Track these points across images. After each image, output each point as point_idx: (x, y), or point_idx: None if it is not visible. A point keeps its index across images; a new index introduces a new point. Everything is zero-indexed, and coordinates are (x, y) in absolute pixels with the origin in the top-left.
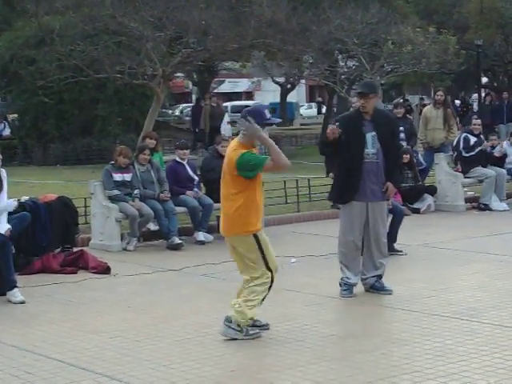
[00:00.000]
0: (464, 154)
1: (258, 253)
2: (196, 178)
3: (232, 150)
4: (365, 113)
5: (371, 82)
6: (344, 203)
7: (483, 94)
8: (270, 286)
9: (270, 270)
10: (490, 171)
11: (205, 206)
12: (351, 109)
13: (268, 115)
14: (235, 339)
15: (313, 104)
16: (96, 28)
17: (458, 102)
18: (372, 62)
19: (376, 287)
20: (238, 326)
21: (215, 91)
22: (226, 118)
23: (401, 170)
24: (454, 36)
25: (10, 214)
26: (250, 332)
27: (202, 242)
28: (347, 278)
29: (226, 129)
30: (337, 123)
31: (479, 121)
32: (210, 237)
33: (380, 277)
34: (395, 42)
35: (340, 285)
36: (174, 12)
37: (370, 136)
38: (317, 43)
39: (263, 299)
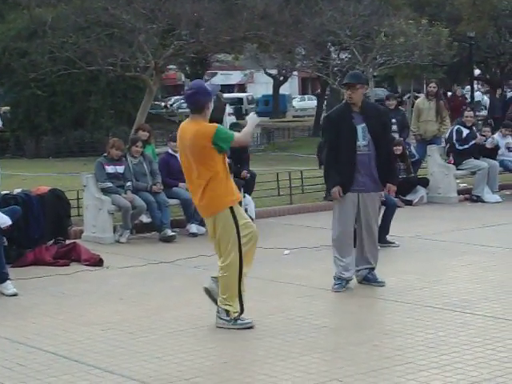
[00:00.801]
0: (457, 147)
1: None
2: None
3: (200, 127)
4: (353, 104)
5: (358, 73)
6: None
7: (476, 86)
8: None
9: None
10: (483, 163)
11: None
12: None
13: (210, 88)
14: (228, 328)
15: (306, 96)
16: (88, 20)
17: (450, 94)
18: (364, 54)
19: (368, 279)
20: (227, 315)
21: (207, 83)
22: (228, 110)
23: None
24: (446, 28)
25: (0, 206)
26: (239, 322)
27: (194, 234)
28: (341, 272)
29: (228, 120)
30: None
31: (471, 113)
32: (203, 229)
33: (372, 269)
34: (388, 34)
35: (334, 278)
36: (167, 4)
37: (361, 128)
38: (309, 35)
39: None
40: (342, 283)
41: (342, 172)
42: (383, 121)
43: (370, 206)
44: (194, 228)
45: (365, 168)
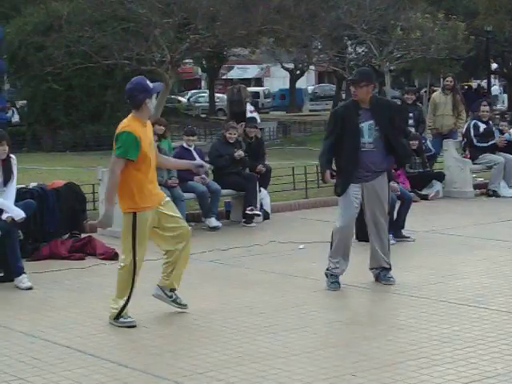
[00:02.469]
0: (476, 143)
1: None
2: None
3: (122, 123)
4: (361, 101)
5: (364, 70)
6: (343, 193)
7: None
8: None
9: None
10: (499, 157)
11: (213, 192)
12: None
13: (150, 85)
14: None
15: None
16: (104, 14)
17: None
18: (381, 48)
19: (381, 277)
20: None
21: (224, 77)
22: (249, 108)
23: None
24: (463, 22)
25: (16, 200)
26: (121, 319)
27: (216, 228)
28: (335, 268)
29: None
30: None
31: (487, 107)
32: (219, 223)
33: (385, 268)
34: (404, 28)
35: (326, 276)
36: None
37: (367, 125)
38: (325, 29)
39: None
40: (337, 280)
41: (344, 169)
42: (391, 114)
43: (378, 190)
44: (214, 221)
45: (370, 165)
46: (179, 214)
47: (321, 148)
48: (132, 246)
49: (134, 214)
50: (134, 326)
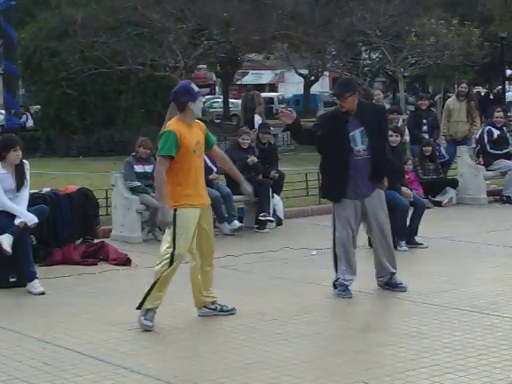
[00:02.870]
0: (489, 150)
1: None
2: (215, 168)
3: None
4: (348, 110)
5: (346, 81)
6: (336, 201)
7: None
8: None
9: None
10: None
11: (224, 196)
12: (374, 101)
13: (196, 89)
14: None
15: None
16: (118, 20)
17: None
18: (395, 54)
19: (390, 284)
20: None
21: (238, 83)
22: (257, 119)
23: (421, 162)
24: (477, 28)
25: (28, 206)
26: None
27: (239, 228)
28: (344, 279)
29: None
30: (316, 124)
31: (501, 113)
32: (241, 224)
33: (393, 273)
34: (418, 34)
35: (335, 286)
36: (196, 4)
37: (358, 132)
38: (339, 35)
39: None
40: (347, 289)
41: (337, 178)
42: (378, 118)
43: (377, 204)
44: (236, 223)
45: (365, 173)
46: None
47: (321, 165)
48: (172, 240)
49: (175, 210)
50: (147, 331)
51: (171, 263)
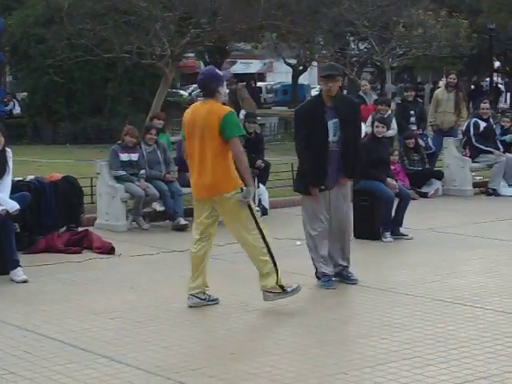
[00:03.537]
0: (474, 143)
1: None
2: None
3: (213, 106)
4: (328, 97)
5: (335, 65)
6: (313, 192)
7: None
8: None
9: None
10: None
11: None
12: (361, 92)
13: (220, 73)
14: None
15: None
16: (105, 7)
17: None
18: (383, 45)
19: (341, 275)
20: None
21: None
22: (242, 114)
23: (407, 155)
24: (466, 20)
25: (12, 193)
26: (289, 290)
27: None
28: (323, 271)
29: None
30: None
31: (487, 105)
32: None
33: (345, 267)
34: (406, 25)
35: (318, 277)
36: None
37: (332, 123)
38: (326, 25)
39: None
40: (331, 279)
41: (315, 168)
42: (353, 113)
43: (339, 198)
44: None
45: (336, 164)
46: None
47: (300, 155)
48: (250, 214)
49: (241, 189)
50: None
51: (260, 230)
